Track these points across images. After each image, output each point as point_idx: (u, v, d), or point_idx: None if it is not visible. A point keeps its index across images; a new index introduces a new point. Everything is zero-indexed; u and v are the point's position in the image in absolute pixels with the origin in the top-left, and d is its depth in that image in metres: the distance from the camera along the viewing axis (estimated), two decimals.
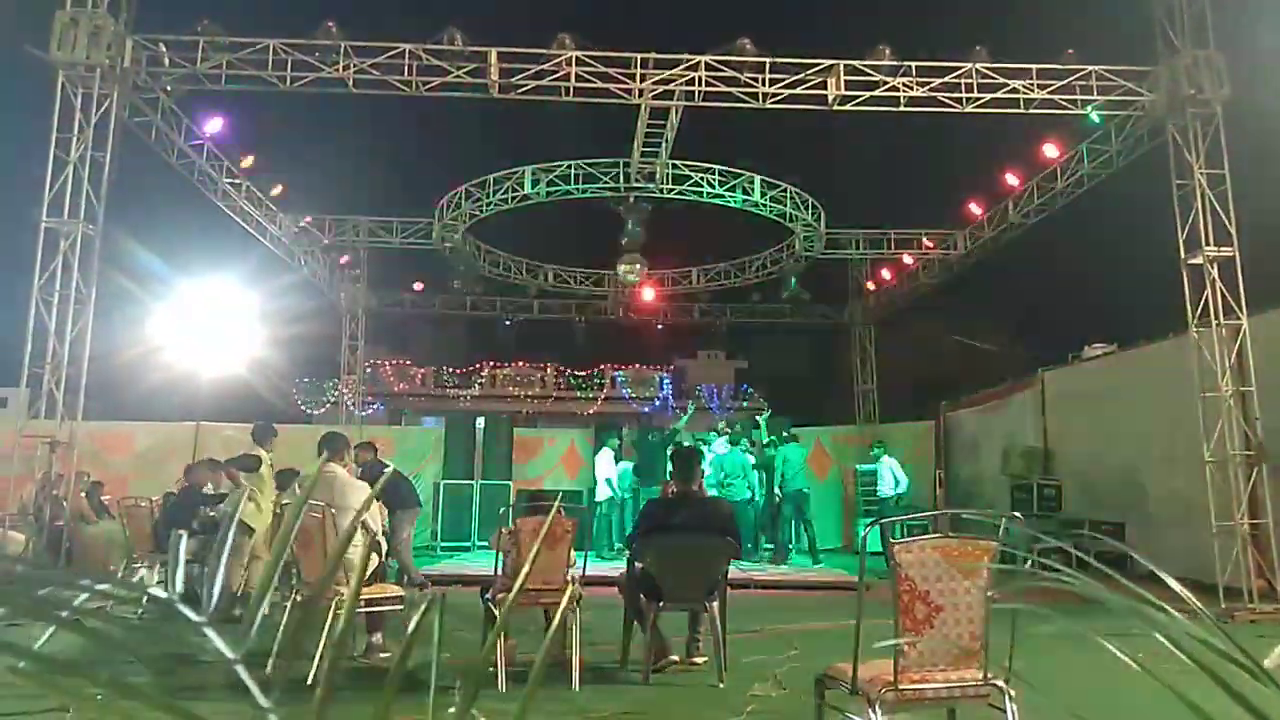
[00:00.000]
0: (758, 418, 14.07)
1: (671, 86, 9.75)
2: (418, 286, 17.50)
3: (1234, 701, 0.58)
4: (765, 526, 12.60)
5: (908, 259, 15.69)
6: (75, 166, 8.44)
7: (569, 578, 5.66)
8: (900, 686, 2.94)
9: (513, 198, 13.24)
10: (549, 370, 27.25)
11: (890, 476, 13.30)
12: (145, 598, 0.54)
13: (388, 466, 9.25)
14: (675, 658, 5.59)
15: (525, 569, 0.87)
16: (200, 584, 8.33)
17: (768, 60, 9.60)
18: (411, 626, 0.63)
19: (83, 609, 0.50)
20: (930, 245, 15.04)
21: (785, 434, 12.91)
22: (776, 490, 12.28)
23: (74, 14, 8.48)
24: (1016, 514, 3.48)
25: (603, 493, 12.87)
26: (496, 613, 5.35)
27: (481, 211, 13.68)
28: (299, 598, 5.73)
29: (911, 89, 9.58)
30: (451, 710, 0.56)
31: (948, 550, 2.98)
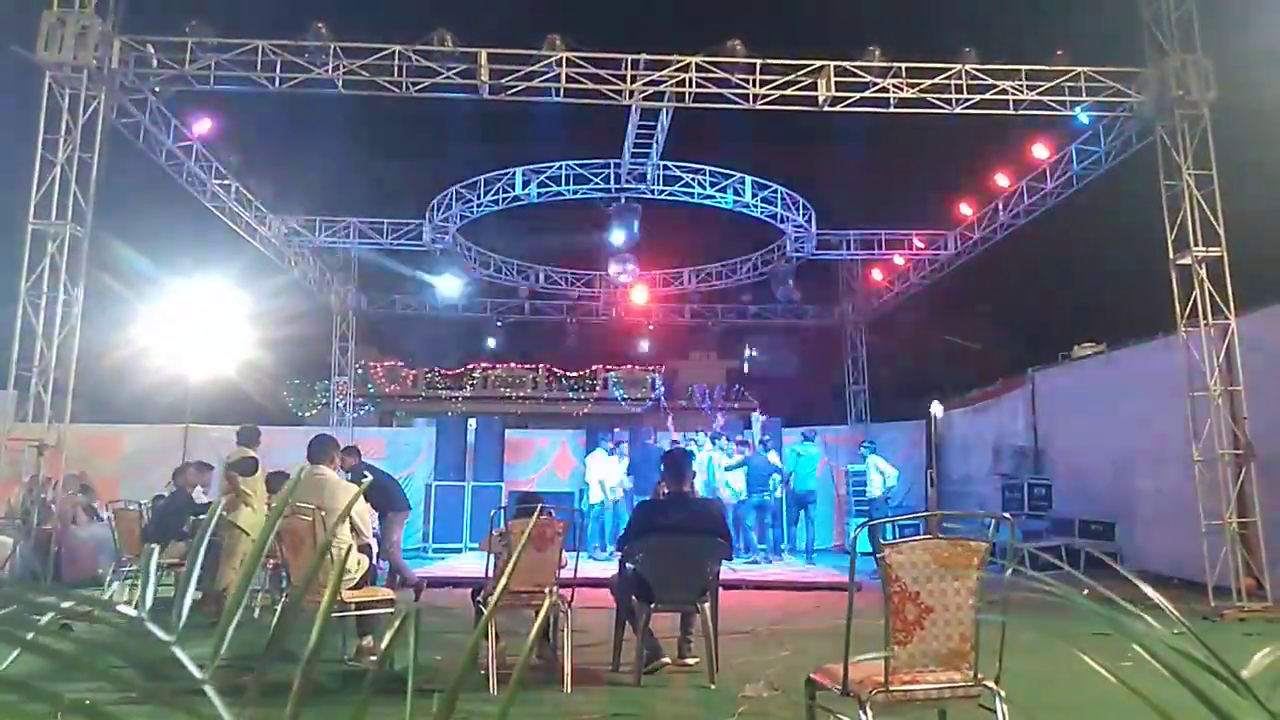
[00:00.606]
0: (752, 416, 14.08)
1: (662, 88, 9.75)
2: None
3: (1210, 711, 0.58)
4: (753, 527, 12.60)
5: (898, 259, 15.72)
6: (63, 168, 8.40)
7: (552, 587, 5.55)
8: (891, 688, 2.94)
9: (504, 199, 13.23)
10: (540, 371, 27.20)
11: (878, 476, 13.32)
12: (123, 617, 0.53)
13: (374, 470, 9.19)
14: (666, 659, 5.59)
15: (507, 573, 0.86)
16: (189, 567, 8.28)
17: (758, 61, 9.62)
18: (388, 637, 0.63)
19: (50, 629, 0.50)
20: (921, 246, 15.08)
21: (804, 436, 13.05)
22: (777, 490, 12.40)
23: (61, 14, 8.43)
24: (1006, 514, 3.49)
25: (595, 494, 12.87)
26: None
27: (472, 213, 13.66)
28: (288, 599, 5.71)
29: (901, 90, 9.61)
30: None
31: (938, 552, 2.98)
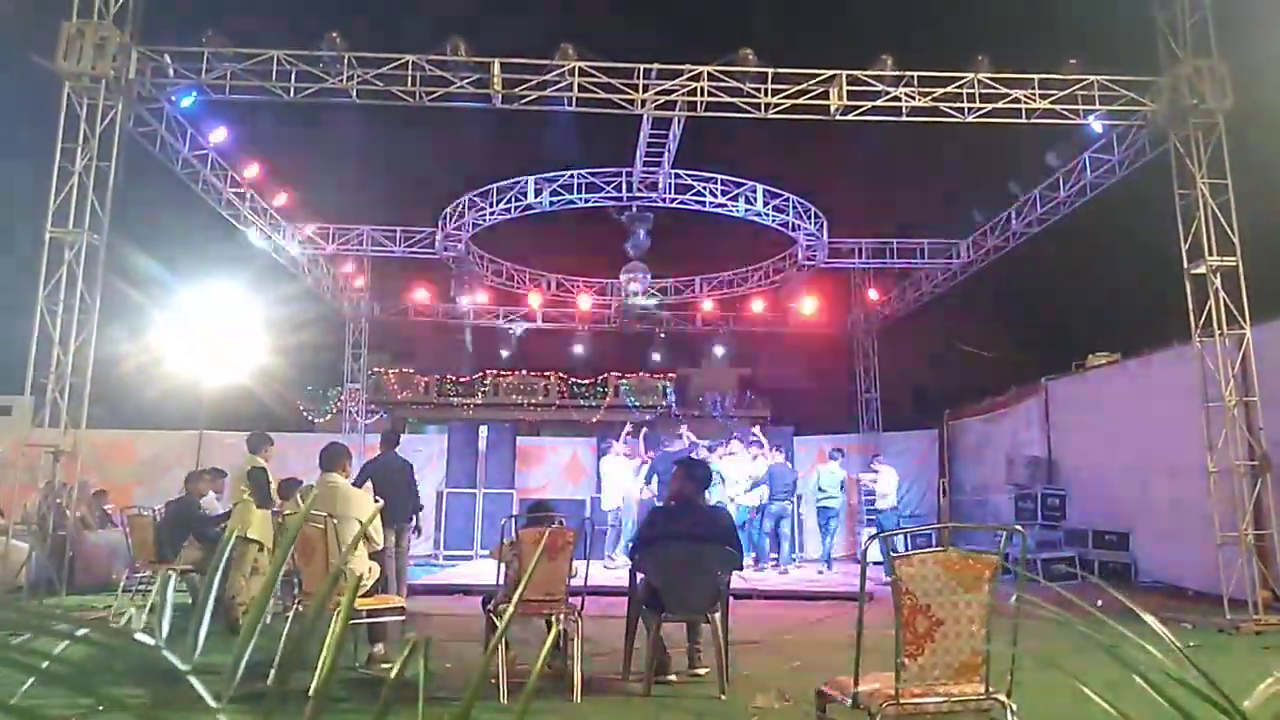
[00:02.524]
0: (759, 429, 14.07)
1: (674, 97, 9.77)
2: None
3: None
4: (769, 534, 12.59)
5: (910, 267, 15.68)
6: (80, 176, 8.48)
7: (559, 612, 5.49)
8: (901, 700, 2.93)
9: (516, 207, 13.28)
10: (552, 379, 27.21)
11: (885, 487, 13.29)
12: (141, 644, 0.54)
13: (389, 472, 8.88)
14: (674, 677, 5.57)
15: (522, 585, 0.87)
16: (204, 593, 8.31)
17: (769, 70, 9.63)
18: (396, 666, 0.64)
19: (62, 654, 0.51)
20: (933, 254, 15.05)
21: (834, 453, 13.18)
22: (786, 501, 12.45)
23: (80, 25, 8.53)
24: (1019, 526, 3.46)
25: (610, 502, 12.81)
26: (498, 623, 5.35)
27: (484, 220, 13.72)
28: (301, 608, 5.74)
29: (913, 99, 9.59)
30: None
31: (949, 564, 2.97)
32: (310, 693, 0.62)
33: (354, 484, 7.87)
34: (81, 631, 0.51)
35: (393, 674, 0.65)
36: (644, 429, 14.04)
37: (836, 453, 13.26)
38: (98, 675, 0.53)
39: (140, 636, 0.52)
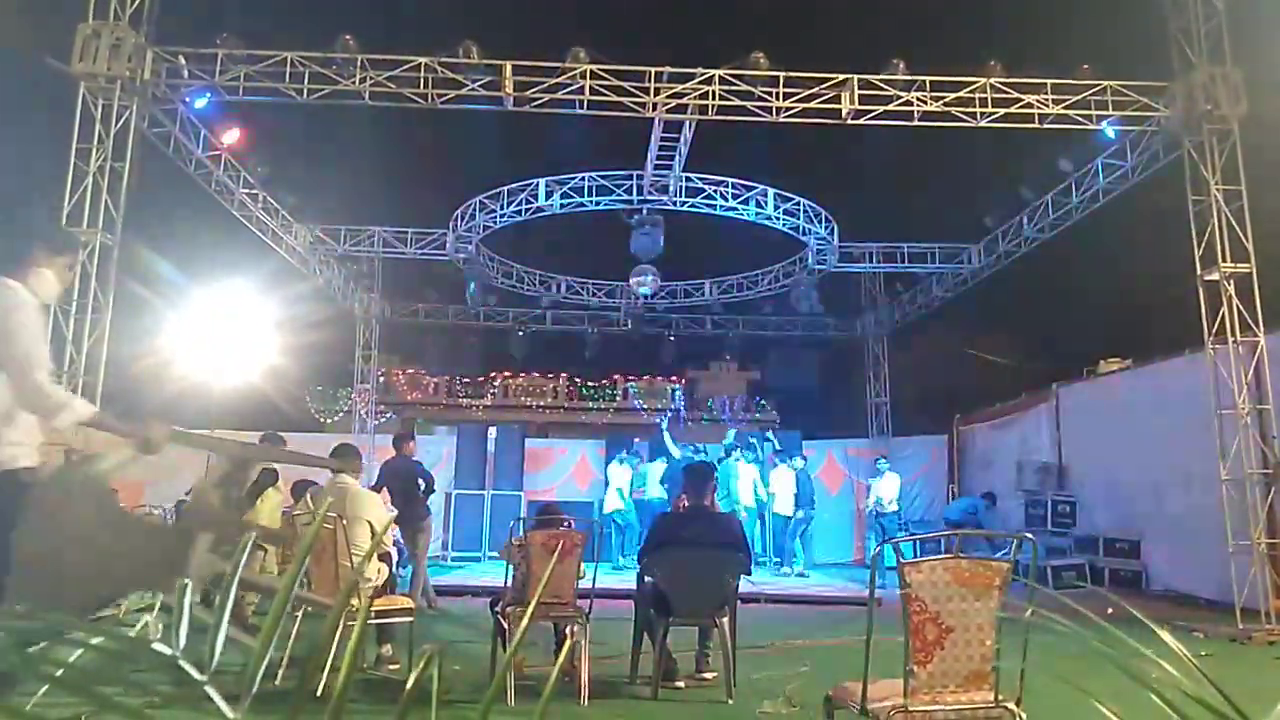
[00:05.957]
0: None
1: (685, 100, 9.78)
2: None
3: None
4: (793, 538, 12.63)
5: (921, 272, 15.64)
6: (94, 176, 8.53)
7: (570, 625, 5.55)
8: (910, 708, 2.92)
9: (526, 209, 13.30)
10: (561, 381, 27.22)
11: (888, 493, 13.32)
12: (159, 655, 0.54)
13: (401, 478, 8.88)
14: (682, 682, 5.56)
15: (539, 590, 0.87)
16: (220, 605, 8.33)
17: (781, 74, 9.62)
18: (410, 676, 0.64)
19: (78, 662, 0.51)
20: (944, 259, 15.00)
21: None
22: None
23: (96, 26, 8.58)
24: (1028, 534, 3.44)
25: (612, 504, 12.88)
26: (505, 625, 5.35)
27: (495, 223, 13.75)
28: (309, 609, 5.75)
29: (925, 103, 9.56)
30: None
31: (958, 571, 2.95)
32: (319, 695, 0.62)
33: (373, 487, 7.91)
34: (98, 640, 0.52)
35: (403, 678, 0.65)
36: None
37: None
38: (105, 675, 0.53)
39: (158, 646, 0.52)
